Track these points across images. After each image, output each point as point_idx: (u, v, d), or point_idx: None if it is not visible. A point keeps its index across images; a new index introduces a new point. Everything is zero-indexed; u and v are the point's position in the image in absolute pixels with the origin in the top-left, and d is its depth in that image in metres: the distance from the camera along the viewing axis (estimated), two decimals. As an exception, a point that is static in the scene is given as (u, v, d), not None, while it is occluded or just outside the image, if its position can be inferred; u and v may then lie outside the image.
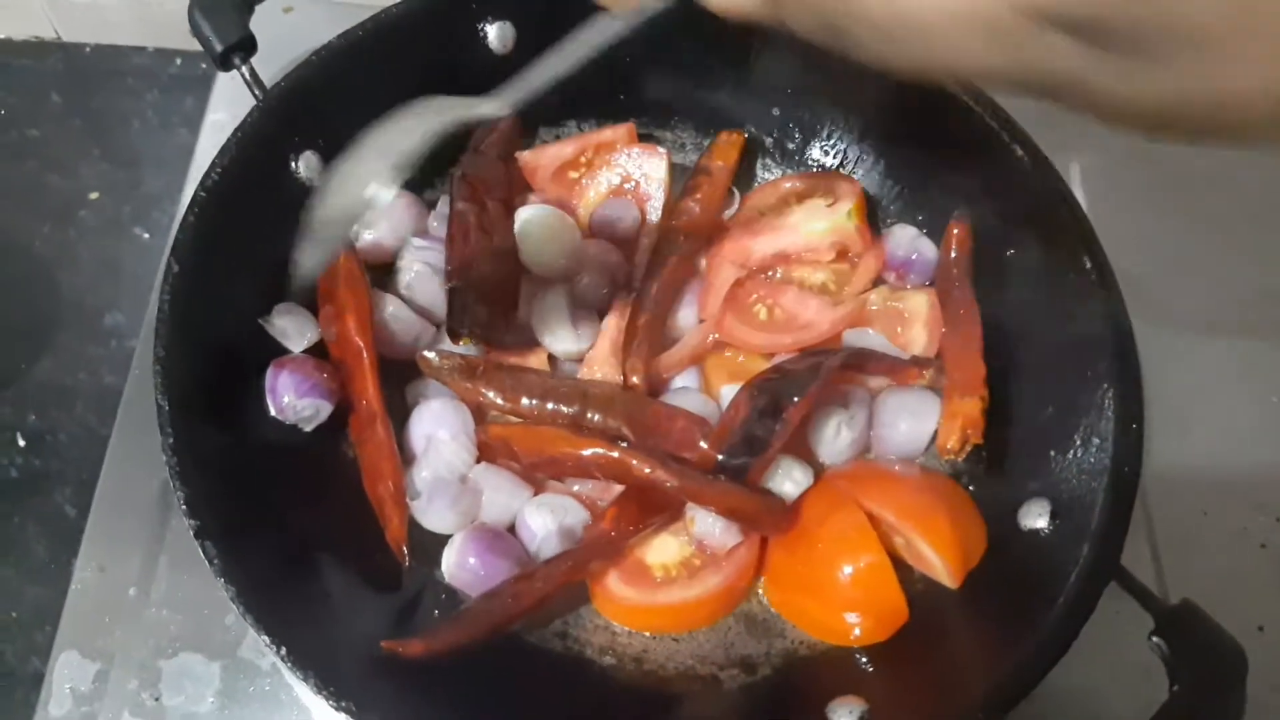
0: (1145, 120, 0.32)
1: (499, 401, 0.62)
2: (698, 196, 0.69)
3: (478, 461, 0.62)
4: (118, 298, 0.93)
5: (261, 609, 0.50)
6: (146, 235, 0.96)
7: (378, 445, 0.60)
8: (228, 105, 0.81)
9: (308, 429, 0.61)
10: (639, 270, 0.68)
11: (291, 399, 0.59)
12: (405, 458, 0.62)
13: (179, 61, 1.02)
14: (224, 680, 0.62)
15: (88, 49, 1.04)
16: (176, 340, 0.56)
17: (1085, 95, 0.32)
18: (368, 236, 0.67)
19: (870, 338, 0.65)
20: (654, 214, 0.71)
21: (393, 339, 0.64)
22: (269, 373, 0.60)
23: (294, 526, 0.58)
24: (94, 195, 0.98)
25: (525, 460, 0.61)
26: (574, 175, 0.72)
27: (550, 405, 0.61)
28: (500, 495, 0.61)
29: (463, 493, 0.60)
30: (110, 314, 0.93)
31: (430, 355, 0.62)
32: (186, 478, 0.53)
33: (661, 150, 0.71)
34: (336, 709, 0.49)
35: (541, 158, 0.72)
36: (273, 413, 0.60)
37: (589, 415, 0.60)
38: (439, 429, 0.61)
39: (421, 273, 0.66)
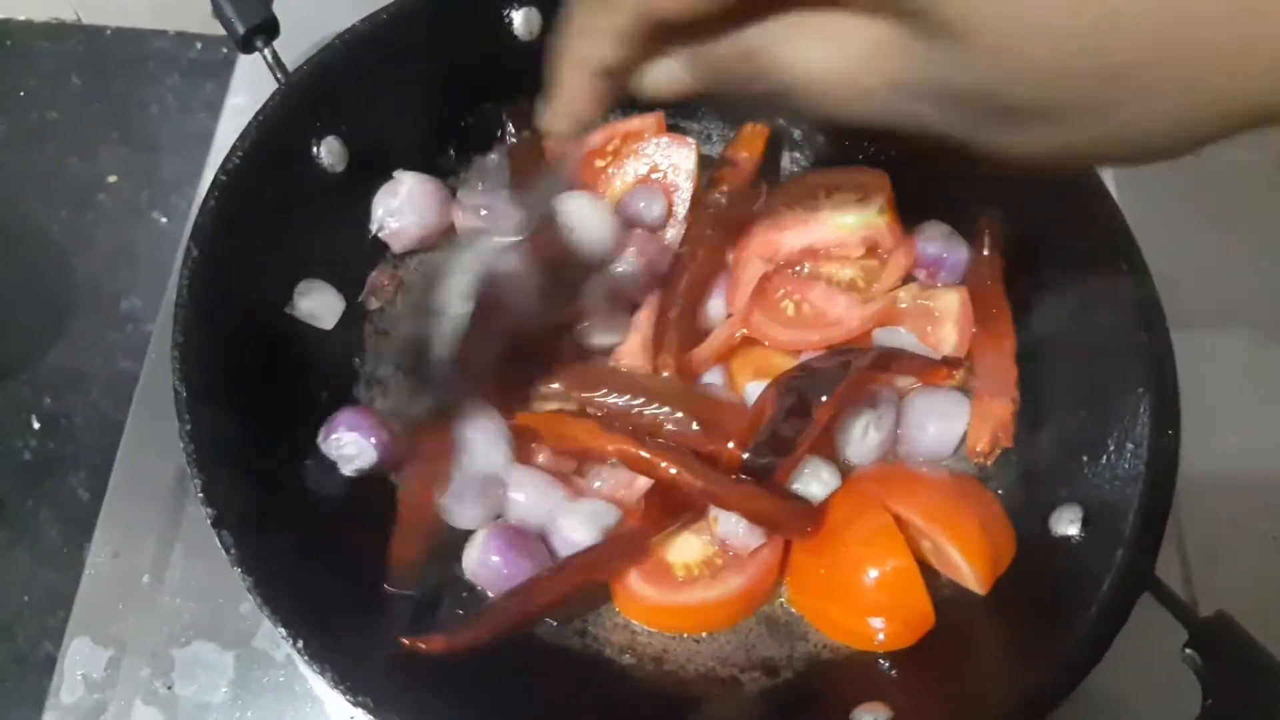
0: (1031, 165, 0.35)
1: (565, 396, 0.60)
2: (724, 188, 0.68)
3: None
4: (135, 283, 0.93)
5: (279, 600, 0.49)
6: (164, 220, 0.96)
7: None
8: (249, 89, 0.80)
9: (346, 470, 0.60)
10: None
11: (344, 433, 0.59)
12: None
13: (199, 46, 1.02)
14: (237, 670, 0.61)
15: (108, 32, 1.04)
16: (195, 326, 0.55)
17: (971, 150, 0.36)
18: (392, 224, 0.66)
19: (901, 336, 0.64)
20: (681, 205, 0.69)
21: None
22: (336, 413, 0.60)
23: (313, 518, 0.57)
24: (112, 179, 0.98)
25: (552, 447, 0.60)
26: (600, 164, 0.71)
27: (613, 399, 0.59)
28: (533, 496, 0.59)
29: (491, 489, 0.59)
30: (127, 299, 0.92)
31: None
32: (204, 465, 0.52)
33: (690, 141, 0.70)
34: (354, 704, 0.48)
35: (569, 146, 0.71)
36: (320, 442, 0.60)
37: (653, 410, 0.58)
38: (471, 430, 0.60)
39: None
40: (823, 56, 0.36)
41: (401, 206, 0.66)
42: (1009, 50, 0.30)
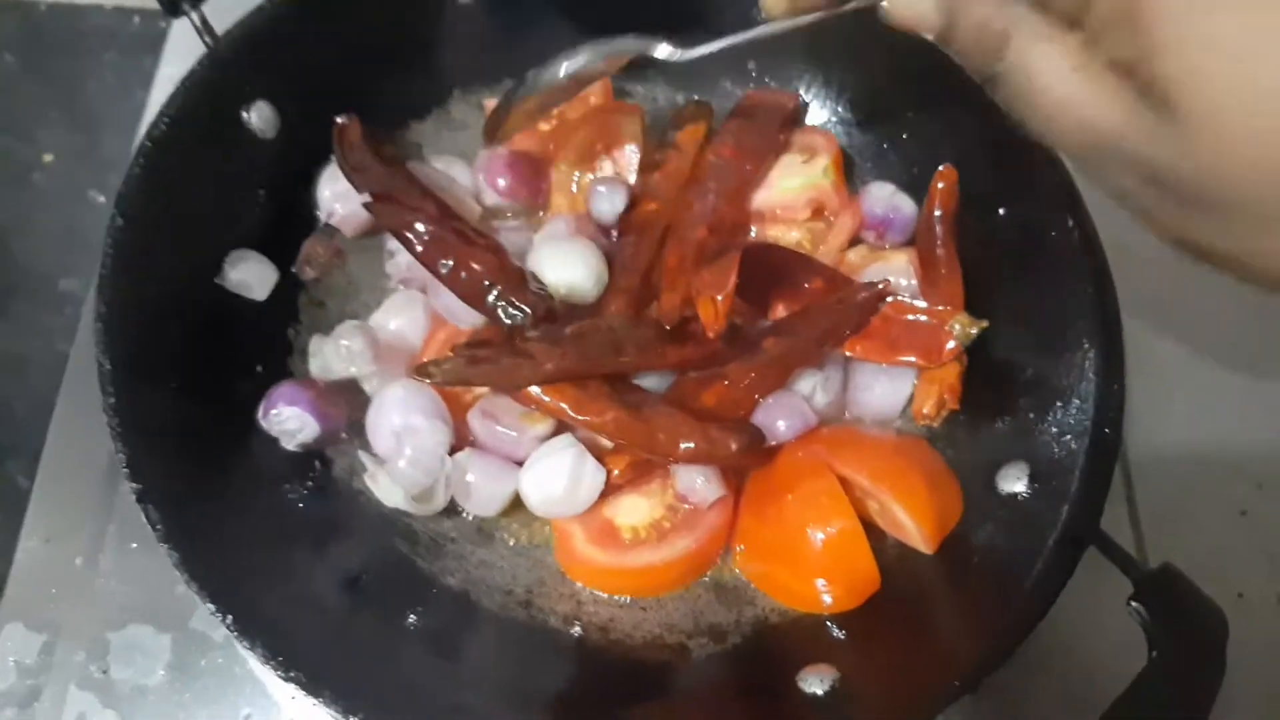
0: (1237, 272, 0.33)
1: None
2: (669, 170, 0.66)
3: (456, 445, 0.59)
4: (74, 263, 0.90)
5: (207, 575, 0.48)
6: (103, 199, 0.93)
7: None
8: (182, 59, 0.77)
9: (289, 445, 0.58)
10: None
11: (283, 408, 0.57)
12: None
13: (137, 20, 0.99)
14: (175, 653, 0.60)
15: (43, 8, 1.00)
16: (120, 297, 0.53)
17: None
18: (340, 209, 0.64)
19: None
20: (630, 173, 0.68)
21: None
22: (274, 388, 0.58)
23: (248, 494, 0.56)
24: (49, 158, 0.95)
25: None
26: (545, 128, 0.69)
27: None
28: (489, 480, 0.58)
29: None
30: (65, 280, 0.90)
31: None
32: (129, 440, 0.50)
33: (637, 108, 0.69)
34: (285, 679, 0.47)
35: (507, 108, 0.69)
36: (260, 419, 0.58)
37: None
38: (411, 416, 0.58)
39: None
40: (1060, 78, 0.34)
41: (348, 190, 0.64)
42: (1230, 143, 0.28)
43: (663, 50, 0.53)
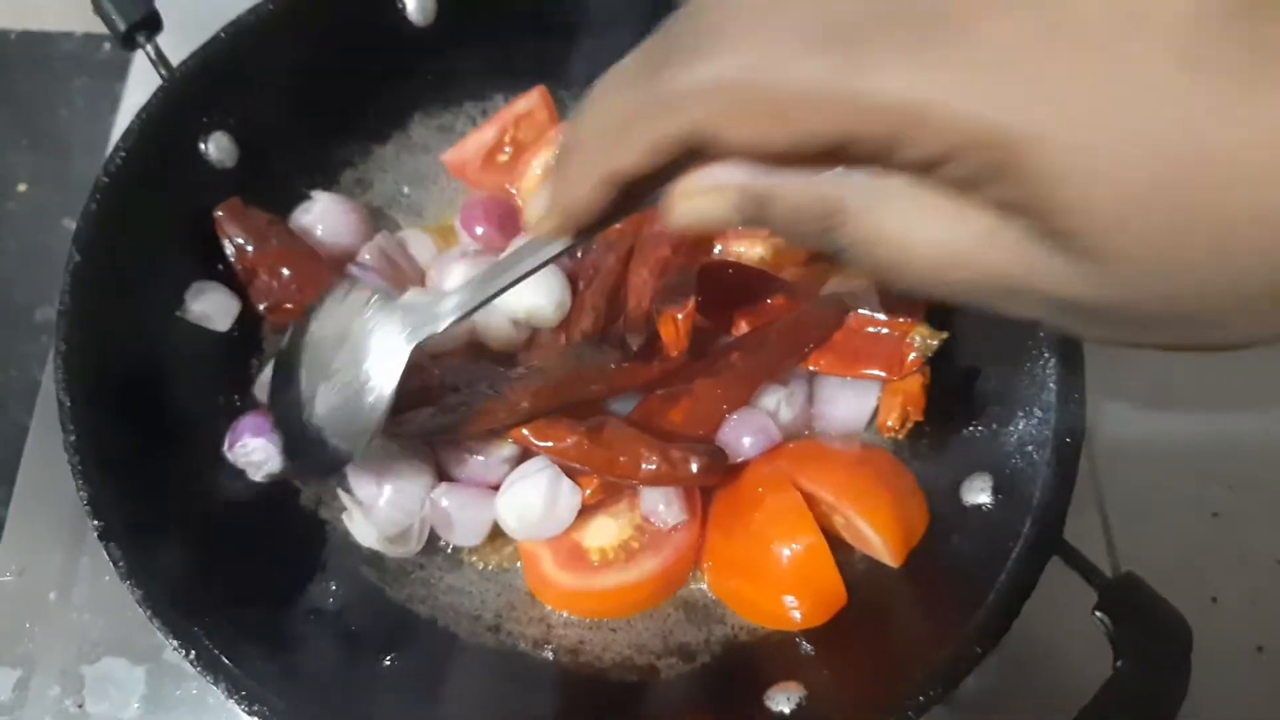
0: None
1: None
2: None
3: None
4: (49, 291, 0.90)
5: (170, 611, 0.48)
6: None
7: None
8: (145, 88, 0.77)
9: (255, 476, 0.58)
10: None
11: (248, 439, 0.57)
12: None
13: (107, 46, 0.99)
14: (149, 685, 0.60)
15: (12, 35, 1.00)
16: (80, 333, 0.53)
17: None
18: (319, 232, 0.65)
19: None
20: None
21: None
22: (239, 419, 0.59)
23: (214, 526, 0.56)
24: (22, 187, 0.95)
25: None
26: (502, 159, 0.69)
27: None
28: (468, 511, 0.58)
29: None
30: (41, 309, 0.90)
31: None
32: (90, 476, 0.50)
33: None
34: (249, 713, 0.47)
35: (465, 152, 0.69)
36: (225, 451, 0.58)
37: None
38: (394, 461, 0.57)
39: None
40: (929, 238, 0.28)
41: (325, 213, 0.64)
42: (1162, 280, 0.24)
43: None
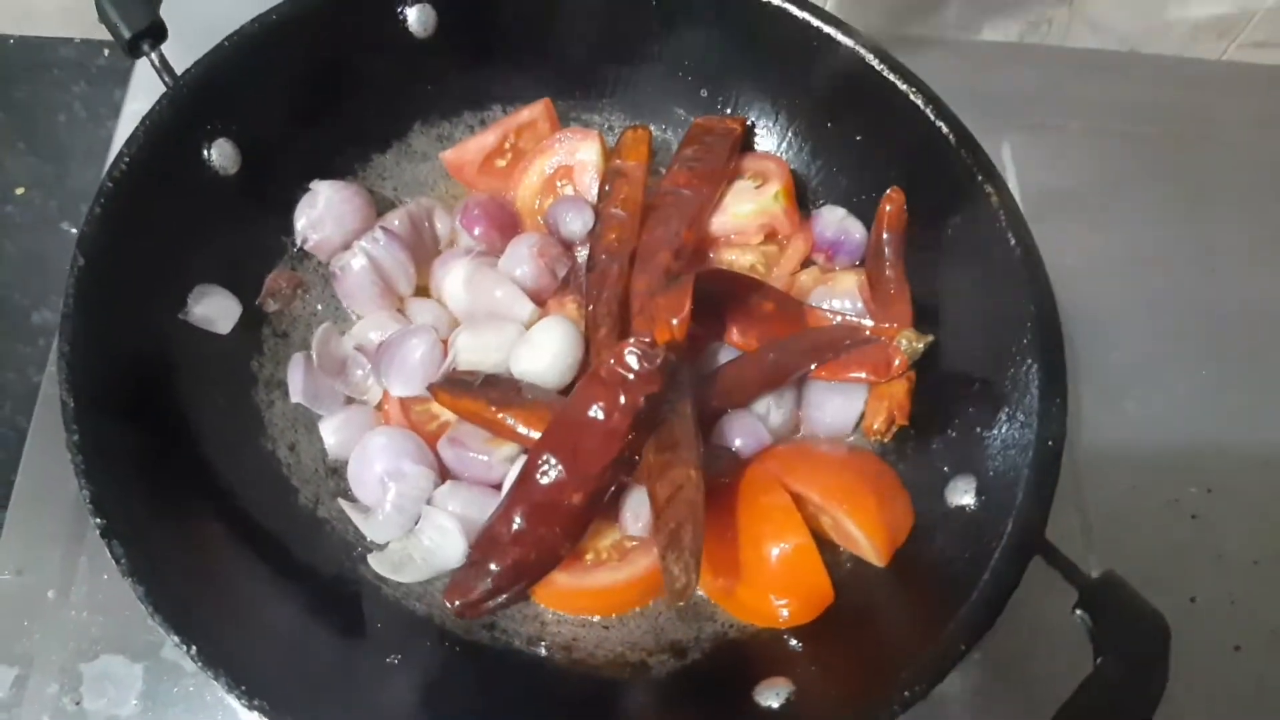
0: None
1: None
2: (622, 198, 0.67)
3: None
4: (46, 295, 0.91)
5: (171, 607, 0.49)
6: (74, 230, 0.94)
7: None
8: (147, 94, 0.78)
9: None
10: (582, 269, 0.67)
11: None
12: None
13: (106, 53, 1.00)
14: (147, 682, 0.61)
15: (11, 40, 1.01)
16: (84, 335, 0.54)
17: None
18: (314, 236, 0.66)
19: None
20: (590, 196, 0.70)
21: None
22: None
23: (207, 523, 0.56)
24: (20, 190, 0.96)
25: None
26: (501, 164, 0.71)
27: None
28: (473, 510, 0.59)
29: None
30: (38, 312, 0.91)
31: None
32: (93, 476, 0.51)
33: (594, 133, 0.70)
34: (249, 709, 0.48)
35: (465, 153, 0.71)
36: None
37: None
38: (400, 462, 0.59)
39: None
40: None
41: (321, 217, 0.65)
42: None
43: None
